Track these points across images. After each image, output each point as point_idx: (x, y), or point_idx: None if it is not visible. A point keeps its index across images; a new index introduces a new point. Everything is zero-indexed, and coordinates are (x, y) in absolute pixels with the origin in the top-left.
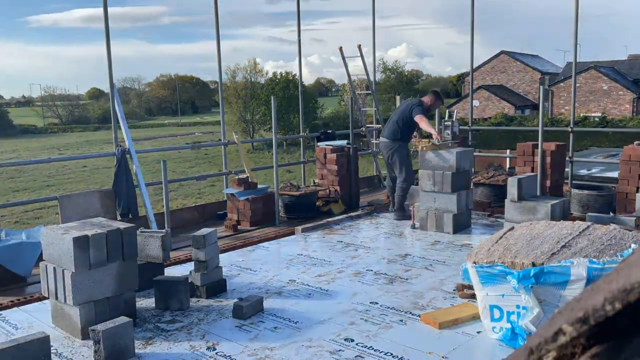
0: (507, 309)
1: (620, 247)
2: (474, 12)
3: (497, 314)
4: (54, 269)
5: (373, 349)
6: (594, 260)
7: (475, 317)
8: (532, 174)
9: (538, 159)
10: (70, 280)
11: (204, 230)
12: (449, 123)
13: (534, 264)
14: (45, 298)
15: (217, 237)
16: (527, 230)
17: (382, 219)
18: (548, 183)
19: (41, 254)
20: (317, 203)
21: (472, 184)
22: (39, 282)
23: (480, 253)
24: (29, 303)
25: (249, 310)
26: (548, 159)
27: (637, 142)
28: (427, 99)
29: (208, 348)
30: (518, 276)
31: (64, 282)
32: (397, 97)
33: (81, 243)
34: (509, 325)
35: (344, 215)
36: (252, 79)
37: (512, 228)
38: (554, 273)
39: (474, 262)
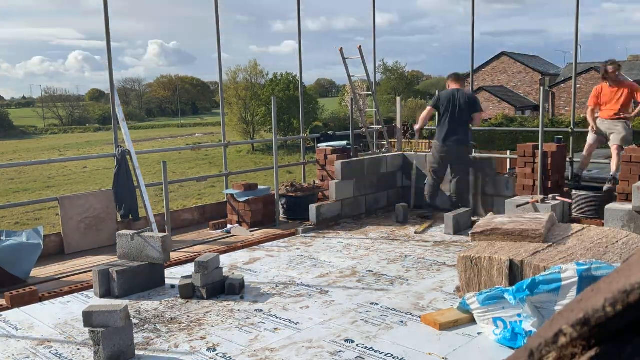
0: (509, 319)
1: (611, 243)
2: (474, 13)
3: (500, 325)
4: None
5: (373, 350)
6: (581, 262)
7: None
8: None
9: (539, 160)
10: None
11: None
12: None
13: (511, 261)
14: (45, 298)
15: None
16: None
17: (383, 220)
18: (549, 184)
19: (40, 255)
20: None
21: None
22: (38, 283)
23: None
24: (29, 304)
25: (240, 285)
26: (549, 160)
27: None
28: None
29: (208, 349)
30: (513, 291)
31: None
32: (398, 98)
33: None
34: (509, 327)
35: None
36: (253, 80)
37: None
38: (546, 282)
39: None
